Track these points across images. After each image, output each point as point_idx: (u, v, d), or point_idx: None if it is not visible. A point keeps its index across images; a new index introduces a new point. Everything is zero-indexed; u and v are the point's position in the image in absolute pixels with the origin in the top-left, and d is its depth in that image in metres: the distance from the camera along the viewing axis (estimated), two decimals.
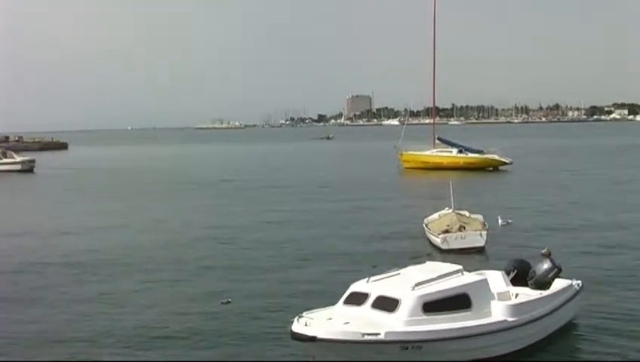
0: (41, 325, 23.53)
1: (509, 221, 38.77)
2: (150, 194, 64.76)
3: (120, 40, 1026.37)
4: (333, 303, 19.57)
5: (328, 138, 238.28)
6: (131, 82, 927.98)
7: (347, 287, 19.89)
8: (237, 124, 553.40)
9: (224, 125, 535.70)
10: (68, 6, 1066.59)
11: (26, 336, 22.39)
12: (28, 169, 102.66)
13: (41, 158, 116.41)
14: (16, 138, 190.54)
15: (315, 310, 19.00)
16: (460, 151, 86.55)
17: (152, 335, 22.20)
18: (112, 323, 23.41)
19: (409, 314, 18.19)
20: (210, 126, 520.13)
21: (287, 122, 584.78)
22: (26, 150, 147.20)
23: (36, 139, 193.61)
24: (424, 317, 18.26)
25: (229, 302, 25.39)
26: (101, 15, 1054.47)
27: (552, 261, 22.48)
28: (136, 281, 29.58)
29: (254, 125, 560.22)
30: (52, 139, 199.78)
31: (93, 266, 32.68)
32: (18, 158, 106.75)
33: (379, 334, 17.52)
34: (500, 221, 38.22)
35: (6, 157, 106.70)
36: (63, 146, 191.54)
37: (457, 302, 18.94)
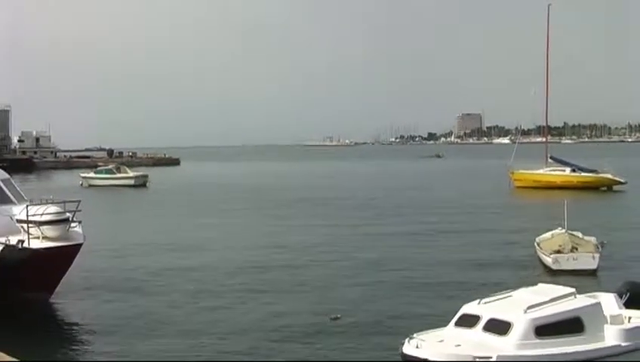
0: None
1: (604, 242, 37.82)
2: (262, 211, 65.05)
3: (227, 54, 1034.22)
4: (444, 324, 19.40)
5: (438, 156, 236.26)
6: (241, 98, 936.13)
7: (458, 308, 19.69)
8: (347, 141, 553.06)
9: (334, 143, 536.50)
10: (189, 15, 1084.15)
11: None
12: (141, 184, 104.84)
13: (154, 173, 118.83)
14: (130, 154, 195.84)
15: (425, 331, 18.85)
16: (573, 171, 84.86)
17: (267, 347, 22.63)
18: (223, 336, 23.88)
19: (521, 338, 17.87)
20: (320, 143, 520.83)
21: (397, 140, 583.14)
22: (140, 165, 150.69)
23: (149, 155, 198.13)
24: (536, 340, 17.91)
25: (337, 318, 25.47)
26: (207, 29, 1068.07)
27: None
28: (247, 297, 29.91)
29: (364, 143, 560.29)
30: (164, 154, 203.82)
31: (206, 282, 33.22)
32: (131, 173, 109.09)
33: (490, 357, 17.28)
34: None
35: (120, 172, 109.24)
36: (175, 162, 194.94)
37: (570, 325, 18.50)
